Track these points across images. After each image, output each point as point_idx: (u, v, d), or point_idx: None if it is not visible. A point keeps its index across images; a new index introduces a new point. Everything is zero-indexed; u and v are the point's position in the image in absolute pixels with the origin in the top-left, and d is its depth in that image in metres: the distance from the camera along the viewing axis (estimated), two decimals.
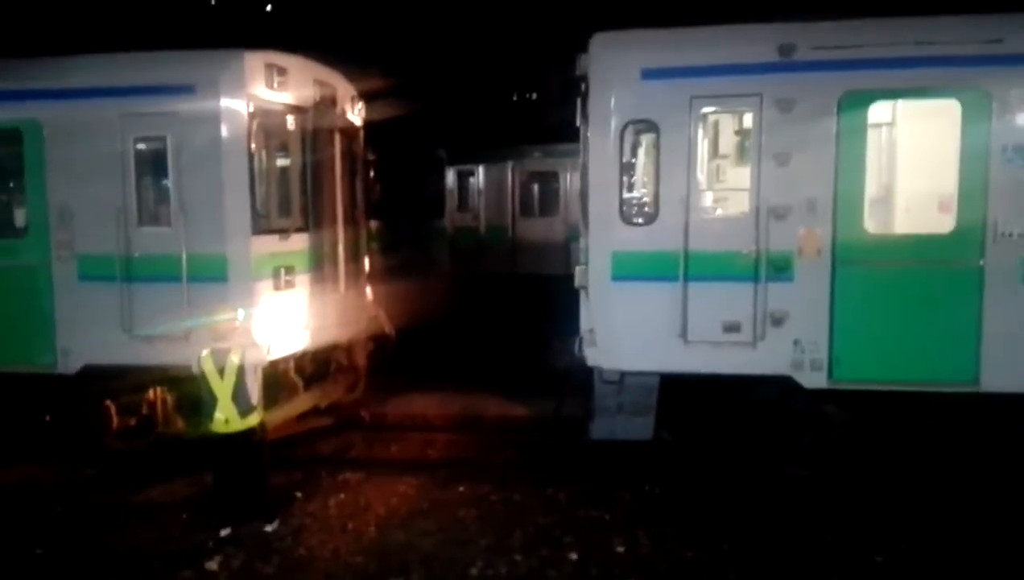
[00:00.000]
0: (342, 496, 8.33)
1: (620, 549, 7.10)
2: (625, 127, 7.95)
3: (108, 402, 9.06)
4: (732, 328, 7.81)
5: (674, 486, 8.35)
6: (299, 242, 9.33)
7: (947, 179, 7.64)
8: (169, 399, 9.03)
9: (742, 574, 6.64)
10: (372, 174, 12.90)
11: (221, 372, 7.34)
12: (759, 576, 6.63)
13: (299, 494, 8.35)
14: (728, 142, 9.05)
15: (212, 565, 6.92)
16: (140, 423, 9.12)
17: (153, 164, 8.79)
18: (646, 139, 8.37)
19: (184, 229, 8.53)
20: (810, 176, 7.63)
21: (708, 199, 8.49)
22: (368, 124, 10.80)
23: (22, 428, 9.52)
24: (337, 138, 9.83)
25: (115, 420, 9.09)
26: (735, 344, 7.81)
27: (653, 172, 8.06)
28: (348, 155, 10.20)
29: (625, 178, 8.12)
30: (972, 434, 7.97)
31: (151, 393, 9.03)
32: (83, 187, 8.74)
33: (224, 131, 8.47)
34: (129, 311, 8.67)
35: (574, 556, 6.98)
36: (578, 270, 8.19)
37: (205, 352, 7.43)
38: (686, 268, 7.82)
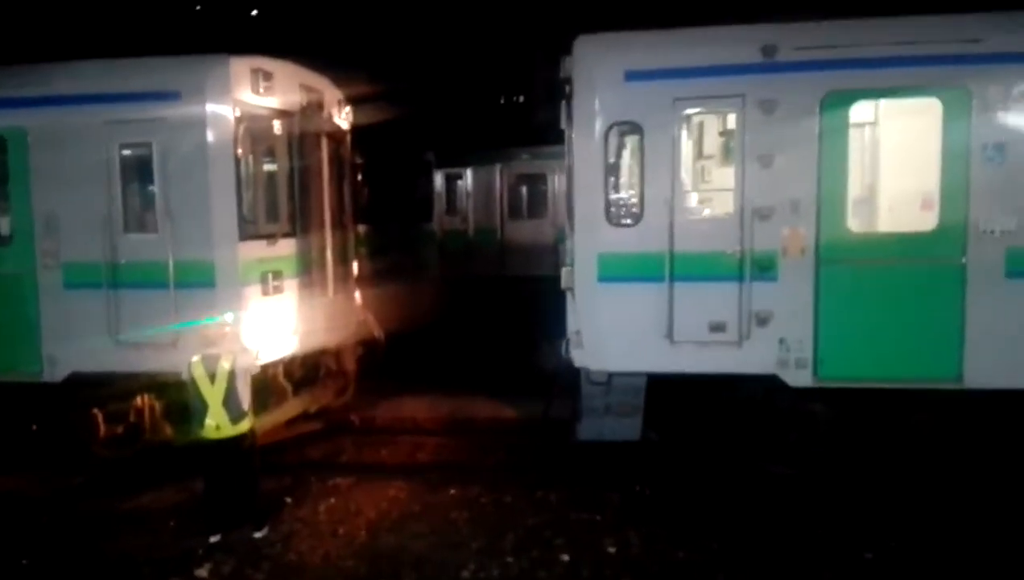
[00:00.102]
0: (332, 501, 8.32)
1: (611, 550, 7.12)
2: (609, 129, 8.00)
3: (95, 410, 9.01)
4: (718, 328, 7.85)
5: (663, 486, 8.38)
6: (287, 247, 9.34)
7: (929, 177, 7.70)
8: (157, 406, 9.00)
9: (732, 574, 6.67)
10: (359, 178, 12.87)
11: (212, 378, 7.31)
12: (750, 575, 6.66)
13: (289, 499, 8.34)
14: (712, 143, 9.11)
15: (202, 572, 6.90)
16: (128, 431, 9.09)
17: (139, 170, 8.77)
18: (630, 141, 8.40)
19: (171, 235, 8.52)
20: (793, 176, 7.68)
21: (693, 200, 8.54)
22: (355, 128, 10.81)
23: (8, 437, 9.46)
24: (324, 142, 9.85)
25: (103, 428, 9.05)
26: (721, 344, 7.85)
27: (638, 173, 8.09)
28: (335, 159, 10.21)
29: (610, 180, 8.16)
30: (957, 430, 8.02)
31: (139, 400, 9.00)
32: (68, 194, 8.72)
33: (210, 136, 8.47)
34: (116, 318, 8.65)
35: (565, 557, 7.00)
36: (564, 272, 8.21)
37: (195, 358, 7.39)
38: (671, 269, 7.86)
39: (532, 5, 23.01)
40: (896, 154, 8.62)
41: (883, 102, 8.43)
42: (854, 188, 8.12)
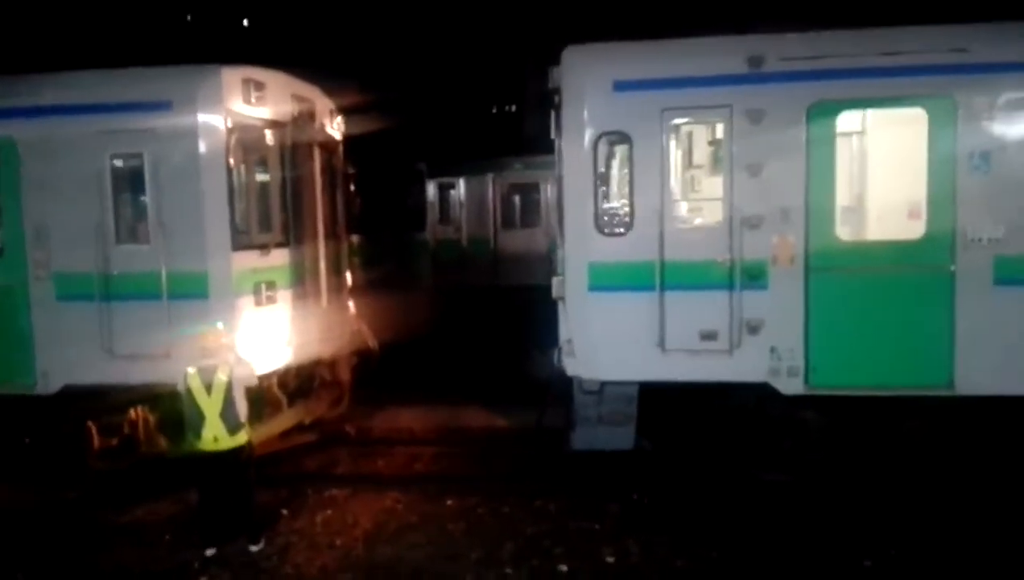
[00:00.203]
0: (329, 512, 8.31)
1: (610, 559, 7.12)
2: (598, 139, 8.05)
3: (89, 422, 8.97)
4: (709, 336, 7.89)
5: (662, 495, 8.39)
6: (280, 257, 9.34)
7: (917, 186, 7.76)
8: (151, 418, 8.96)
9: None
10: (352, 188, 12.93)
11: (208, 389, 7.29)
12: None
13: (285, 512, 8.32)
14: (701, 152, 9.18)
15: None
16: (122, 443, 9.04)
17: (131, 181, 8.77)
18: (620, 150, 8.47)
19: (163, 246, 8.52)
20: (782, 185, 7.73)
21: (682, 209, 8.61)
22: (348, 138, 10.83)
23: (2, 450, 9.42)
24: (317, 152, 9.86)
25: (97, 440, 8.99)
26: (712, 352, 7.89)
27: (627, 183, 8.15)
28: (328, 169, 10.23)
29: (600, 189, 8.21)
30: (950, 436, 8.07)
31: (133, 412, 8.96)
32: (60, 205, 8.70)
33: (202, 147, 8.47)
34: (108, 330, 8.64)
35: (564, 567, 7.00)
36: (555, 281, 8.25)
37: (192, 370, 7.35)
38: (662, 278, 7.90)
39: (523, 15, 23.10)
40: (884, 163, 8.71)
41: (870, 112, 8.52)
42: (842, 197, 8.19)
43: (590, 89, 8.00)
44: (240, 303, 8.66)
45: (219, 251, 8.55)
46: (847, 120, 8.14)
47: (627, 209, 8.16)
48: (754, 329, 7.85)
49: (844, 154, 8.43)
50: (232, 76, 8.68)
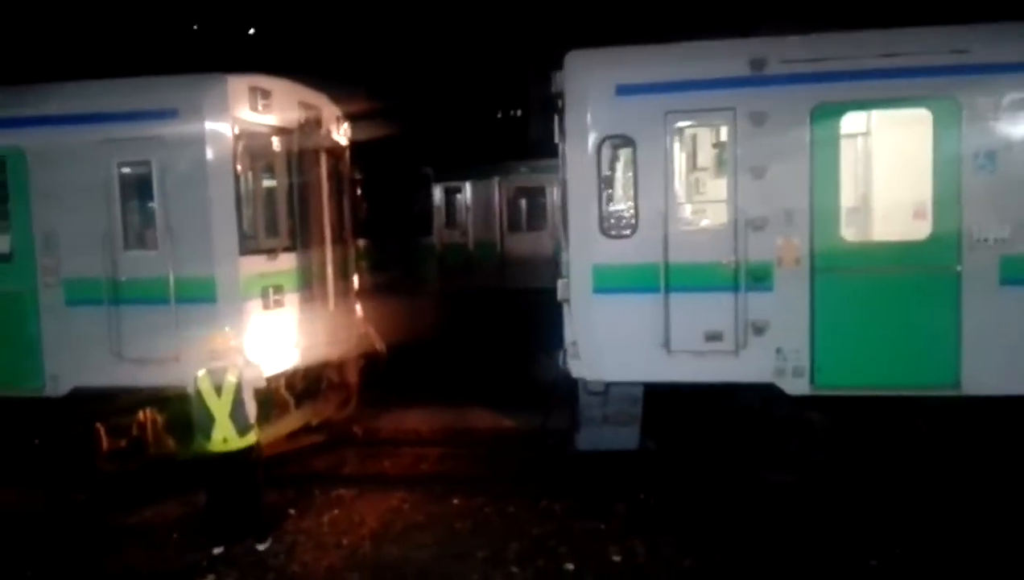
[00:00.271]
0: (336, 512, 8.36)
1: (616, 559, 7.13)
2: (602, 142, 8.08)
3: (98, 424, 9.06)
4: (714, 337, 7.90)
5: (668, 495, 8.40)
6: (287, 262, 9.42)
7: (922, 187, 7.77)
8: (159, 420, 9.05)
9: None
10: (359, 193, 13.00)
11: (218, 391, 7.36)
12: None
13: (292, 511, 8.38)
14: (705, 155, 9.19)
15: None
16: (130, 445, 9.13)
17: (138, 188, 8.86)
18: (623, 154, 8.47)
19: (171, 252, 8.60)
20: (786, 187, 7.75)
21: (687, 211, 8.62)
22: (354, 144, 10.91)
23: (12, 452, 9.50)
24: (323, 158, 9.94)
25: (105, 442, 9.09)
26: (718, 353, 7.91)
27: (631, 186, 8.18)
28: (334, 175, 10.30)
29: (604, 192, 8.22)
30: (957, 436, 8.06)
31: (141, 414, 9.05)
32: (68, 213, 8.80)
33: (209, 154, 8.54)
34: (117, 334, 8.72)
35: (570, 566, 7.02)
36: (560, 283, 8.28)
37: (202, 372, 7.43)
38: (667, 280, 7.92)
39: (528, 19, 23.17)
40: (889, 164, 8.71)
41: (874, 113, 8.53)
42: (847, 198, 8.20)
43: (593, 93, 8.03)
44: (248, 307, 8.73)
45: (227, 256, 8.62)
46: (851, 122, 8.14)
47: (631, 212, 8.18)
48: (759, 330, 7.86)
49: (848, 155, 8.43)
50: (238, 84, 8.76)
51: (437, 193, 19.51)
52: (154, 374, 8.56)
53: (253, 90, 8.89)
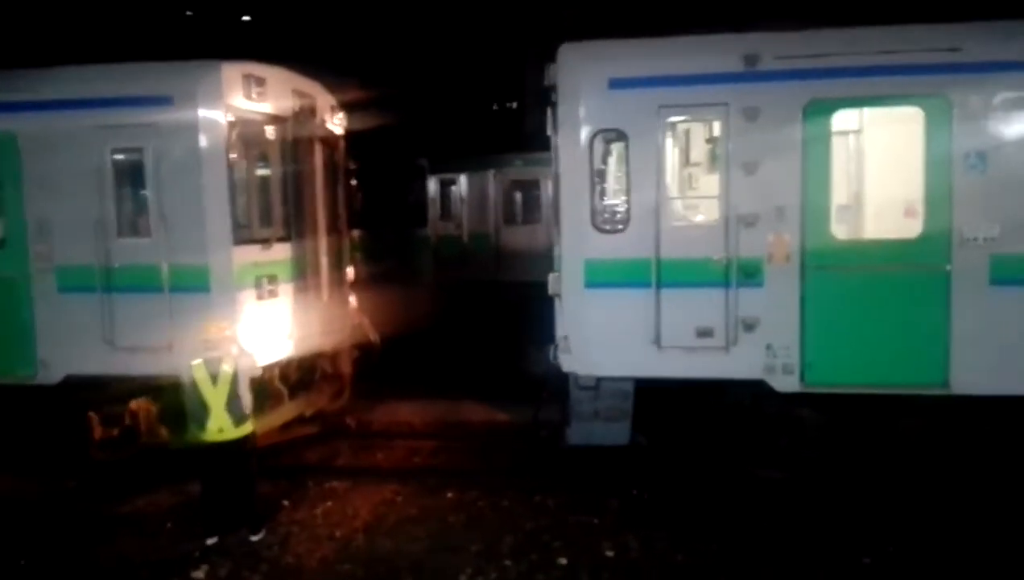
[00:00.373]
0: (329, 504, 8.38)
1: (609, 553, 7.16)
2: (595, 136, 8.07)
3: (90, 413, 9.05)
4: (705, 333, 7.93)
5: (660, 491, 8.43)
6: (281, 252, 9.41)
7: (913, 185, 7.79)
8: (152, 409, 9.04)
9: (732, 578, 6.73)
10: (354, 183, 12.99)
11: (214, 380, 7.36)
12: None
13: (286, 502, 8.41)
14: (698, 150, 9.20)
15: (199, 574, 6.98)
16: (123, 433, 9.11)
17: (132, 175, 8.83)
18: (616, 148, 8.47)
19: (165, 239, 8.59)
20: (778, 183, 7.76)
21: (679, 207, 8.60)
22: (349, 133, 10.88)
23: (3, 440, 9.49)
24: (318, 148, 9.92)
25: (98, 431, 9.05)
26: (708, 349, 7.93)
27: (624, 180, 8.19)
28: (329, 165, 10.29)
29: (596, 186, 8.22)
30: (945, 434, 8.09)
31: (134, 403, 9.04)
32: (61, 199, 8.78)
33: (203, 142, 8.53)
34: (110, 322, 8.73)
35: (563, 561, 7.05)
36: (552, 277, 8.29)
37: (197, 361, 7.43)
38: (658, 275, 7.94)
39: (524, 11, 23.09)
40: (880, 162, 8.74)
41: (866, 110, 8.53)
42: (838, 195, 8.22)
43: (586, 86, 8.03)
44: (241, 296, 8.73)
45: (220, 245, 8.62)
46: (843, 119, 8.15)
47: (624, 206, 8.19)
48: (750, 326, 7.89)
49: (840, 153, 8.44)
50: (232, 71, 8.73)
51: (432, 185, 19.47)
52: (147, 362, 8.57)
53: (247, 78, 8.86)
